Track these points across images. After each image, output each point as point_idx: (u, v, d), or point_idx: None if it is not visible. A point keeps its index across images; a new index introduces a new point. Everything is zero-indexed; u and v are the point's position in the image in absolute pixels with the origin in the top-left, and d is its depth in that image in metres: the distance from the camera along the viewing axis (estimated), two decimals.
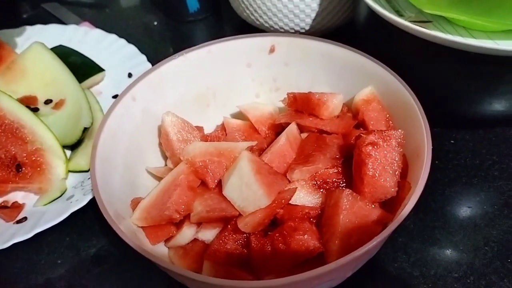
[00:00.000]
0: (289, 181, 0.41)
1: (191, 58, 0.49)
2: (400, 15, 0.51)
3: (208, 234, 0.40)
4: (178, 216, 0.39)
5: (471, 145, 0.54)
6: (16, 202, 0.51)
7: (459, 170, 0.52)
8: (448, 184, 0.50)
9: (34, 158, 0.52)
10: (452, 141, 0.55)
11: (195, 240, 0.41)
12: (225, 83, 0.52)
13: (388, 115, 0.45)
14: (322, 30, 0.66)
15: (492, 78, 0.48)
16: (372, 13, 0.51)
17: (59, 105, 0.58)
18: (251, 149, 0.45)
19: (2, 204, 0.51)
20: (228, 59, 0.51)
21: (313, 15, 0.63)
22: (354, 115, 0.47)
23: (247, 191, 0.38)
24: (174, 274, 0.34)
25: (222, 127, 0.51)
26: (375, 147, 0.38)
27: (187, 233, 0.41)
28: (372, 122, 0.44)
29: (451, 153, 0.53)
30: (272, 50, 0.51)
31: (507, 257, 0.44)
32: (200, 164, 0.42)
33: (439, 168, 0.52)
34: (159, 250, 0.42)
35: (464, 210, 0.48)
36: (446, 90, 0.51)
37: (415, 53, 0.51)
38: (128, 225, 0.40)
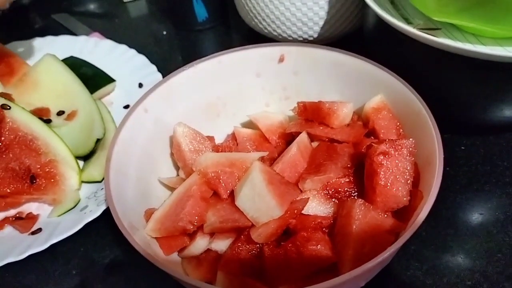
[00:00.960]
0: (301, 191, 0.41)
1: (201, 69, 0.50)
2: (408, 22, 0.51)
3: (221, 245, 0.41)
4: (191, 227, 0.40)
5: (482, 151, 0.54)
6: (31, 213, 0.52)
7: (470, 176, 0.52)
8: (459, 191, 0.50)
9: (47, 169, 0.53)
10: (463, 147, 0.55)
11: (208, 250, 0.42)
12: (235, 92, 0.53)
13: (398, 123, 0.45)
14: (330, 38, 0.66)
15: (503, 84, 0.48)
16: (380, 21, 0.52)
17: (71, 116, 0.59)
18: (262, 159, 0.46)
19: (17, 215, 0.52)
20: (238, 69, 0.51)
21: (321, 23, 0.63)
22: (364, 124, 0.47)
23: (259, 202, 0.38)
24: (188, 285, 0.35)
25: (233, 137, 0.51)
26: (386, 156, 0.38)
27: (200, 244, 0.41)
28: (382, 131, 0.45)
29: (462, 159, 0.53)
30: (281, 60, 0.51)
31: None
32: (213, 175, 0.42)
33: (450, 175, 0.52)
34: (173, 260, 0.42)
35: (476, 217, 0.48)
36: (456, 97, 0.51)
37: (424, 61, 0.51)
38: (142, 236, 0.40)
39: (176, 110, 0.50)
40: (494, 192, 0.50)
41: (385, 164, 0.38)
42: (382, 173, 0.38)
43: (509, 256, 0.44)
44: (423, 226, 0.47)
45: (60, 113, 0.60)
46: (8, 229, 0.50)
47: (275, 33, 0.67)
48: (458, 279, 0.43)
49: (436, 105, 0.52)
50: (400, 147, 0.38)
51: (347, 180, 0.41)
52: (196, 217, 0.40)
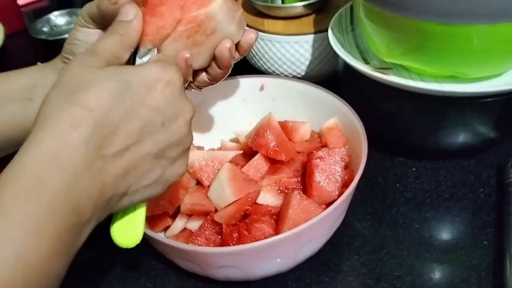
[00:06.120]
0: (260, 187, 0.52)
1: (196, 93, 0.63)
2: (367, 63, 0.63)
3: (194, 224, 0.52)
4: (170, 206, 0.51)
5: (430, 172, 0.63)
6: None
7: (415, 192, 0.61)
8: (404, 203, 0.59)
9: None
10: (414, 169, 0.64)
11: (185, 229, 0.53)
12: (224, 113, 0.65)
13: (345, 140, 0.56)
14: (316, 76, 0.78)
15: (440, 115, 0.58)
16: (345, 62, 0.64)
17: None
18: (238, 160, 0.57)
19: None
20: (227, 94, 0.64)
21: (307, 63, 0.75)
22: (321, 140, 0.58)
23: (221, 192, 0.50)
24: (164, 246, 0.46)
25: (220, 148, 0.63)
26: (322, 160, 0.49)
27: (178, 224, 0.53)
28: (332, 146, 0.55)
29: (411, 178, 0.63)
30: (262, 88, 0.64)
31: (443, 261, 0.52)
32: (198, 167, 0.54)
33: (398, 190, 0.61)
34: None
35: (414, 224, 0.57)
36: (404, 126, 0.61)
37: (378, 95, 0.62)
38: None
39: None
40: (433, 205, 0.59)
41: (320, 166, 0.48)
42: (317, 173, 0.48)
43: (434, 255, 0.53)
44: (368, 228, 0.57)
45: None
46: None
47: (270, 70, 0.79)
48: (388, 270, 0.52)
49: (391, 133, 0.63)
50: (333, 153, 0.49)
51: (296, 180, 0.52)
52: (175, 199, 0.52)
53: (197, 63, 0.46)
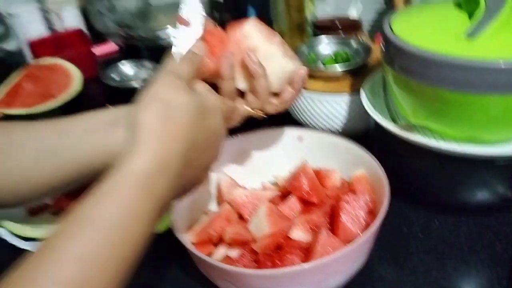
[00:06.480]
0: (293, 224, 0.60)
1: (244, 140, 0.73)
2: (396, 122, 0.71)
3: (234, 253, 0.60)
4: (215, 234, 0.60)
5: (451, 225, 0.68)
6: None
7: (436, 242, 0.66)
8: (425, 252, 0.65)
9: None
10: (436, 221, 0.69)
11: (226, 256, 0.61)
12: (266, 159, 0.74)
13: (370, 189, 0.63)
14: (350, 131, 0.86)
15: (459, 172, 0.64)
16: (376, 121, 0.72)
17: None
18: (277, 199, 0.66)
19: None
20: (270, 143, 0.73)
21: (341, 118, 0.84)
22: (350, 187, 0.66)
23: (259, 225, 0.58)
24: (208, 266, 0.54)
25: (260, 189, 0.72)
26: (348, 204, 0.56)
27: (221, 251, 0.61)
28: (358, 193, 0.63)
29: (433, 229, 0.68)
30: (300, 139, 0.73)
31: None
32: (240, 203, 0.63)
33: (419, 239, 0.67)
34: None
35: (433, 272, 0.62)
36: (425, 180, 0.68)
37: (404, 151, 0.69)
38: (185, 241, 0.60)
39: (223, 166, 0.72)
40: (452, 256, 0.63)
41: (345, 208, 0.56)
42: (343, 215, 0.56)
43: None
44: (391, 273, 0.63)
45: None
46: None
47: (309, 124, 0.89)
48: None
49: (415, 186, 0.70)
50: (358, 199, 0.56)
51: (325, 220, 0.59)
52: (219, 228, 0.60)
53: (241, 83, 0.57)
